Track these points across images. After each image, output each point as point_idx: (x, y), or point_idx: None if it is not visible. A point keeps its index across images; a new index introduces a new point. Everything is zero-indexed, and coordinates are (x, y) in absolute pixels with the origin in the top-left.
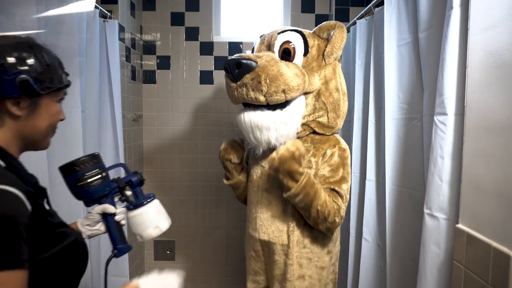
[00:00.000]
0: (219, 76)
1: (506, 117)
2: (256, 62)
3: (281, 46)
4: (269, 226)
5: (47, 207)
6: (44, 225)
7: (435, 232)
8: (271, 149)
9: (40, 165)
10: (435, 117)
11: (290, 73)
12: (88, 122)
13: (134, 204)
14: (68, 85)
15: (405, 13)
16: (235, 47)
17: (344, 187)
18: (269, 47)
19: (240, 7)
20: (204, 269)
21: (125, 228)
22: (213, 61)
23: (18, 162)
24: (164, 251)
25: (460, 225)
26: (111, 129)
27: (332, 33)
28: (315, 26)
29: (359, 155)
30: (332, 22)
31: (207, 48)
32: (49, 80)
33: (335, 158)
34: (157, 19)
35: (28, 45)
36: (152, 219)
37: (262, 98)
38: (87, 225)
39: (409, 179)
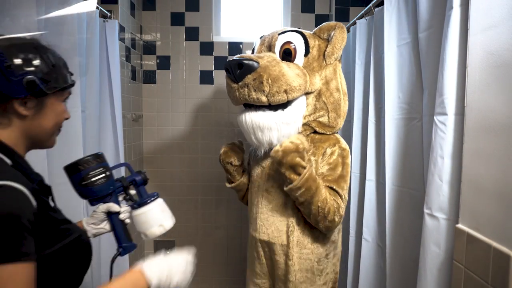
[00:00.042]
0: (219, 76)
1: (506, 117)
2: (258, 63)
3: (281, 46)
4: (269, 226)
5: (52, 204)
6: (48, 221)
7: (435, 232)
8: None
9: (40, 165)
10: (435, 117)
11: (291, 73)
12: (88, 122)
13: (138, 203)
14: (72, 85)
15: (405, 13)
16: (235, 47)
17: (343, 186)
18: (270, 48)
19: (240, 7)
20: (204, 269)
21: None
22: (213, 61)
23: (25, 161)
24: (164, 251)
25: (460, 225)
26: (111, 129)
27: (332, 33)
28: (315, 26)
29: (359, 155)
30: (332, 22)
31: (207, 48)
32: (55, 80)
33: (334, 157)
34: (157, 19)
35: (33, 46)
36: (156, 217)
37: (264, 99)
38: (92, 223)
39: (409, 179)
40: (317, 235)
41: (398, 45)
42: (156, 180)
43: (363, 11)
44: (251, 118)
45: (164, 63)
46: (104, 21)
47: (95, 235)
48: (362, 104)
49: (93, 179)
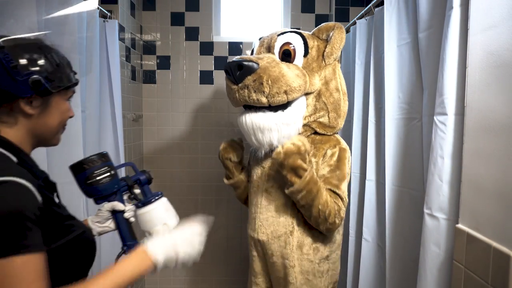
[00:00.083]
0: (219, 76)
1: (506, 117)
2: (258, 64)
3: (281, 47)
4: (268, 226)
5: (56, 200)
6: (53, 217)
7: (435, 232)
8: (273, 150)
9: (41, 165)
10: (435, 117)
11: (291, 74)
12: (88, 122)
13: (142, 202)
14: (76, 83)
15: (405, 13)
16: (235, 47)
17: (344, 188)
18: (269, 49)
19: (240, 7)
20: (204, 269)
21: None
22: (213, 61)
23: (30, 158)
24: None
25: (460, 225)
26: (111, 129)
27: (331, 34)
28: (315, 26)
29: (359, 155)
30: (331, 23)
31: (207, 48)
32: (59, 79)
33: (335, 158)
34: (157, 19)
35: (38, 47)
36: (160, 216)
37: (264, 100)
38: (97, 222)
39: (409, 179)
40: (317, 236)
41: (398, 45)
42: (156, 180)
43: (363, 11)
44: (251, 119)
45: (164, 63)
46: (104, 21)
47: (100, 234)
48: (362, 104)
49: (98, 178)
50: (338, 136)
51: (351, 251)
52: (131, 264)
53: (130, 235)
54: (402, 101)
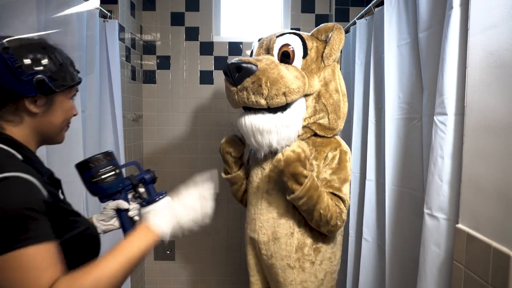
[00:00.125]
0: (219, 76)
1: (506, 117)
2: (256, 66)
3: (280, 49)
4: (269, 228)
5: (61, 197)
6: (58, 212)
7: (435, 232)
8: (273, 152)
9: None
10: (435, 117)
11: (290, 75)
12: (88, 122)
13: (147, 201)
14: (79, 82)
15: (405, 13)
16: (235, 47)
17: (346, 190)
18: (268, 51)
19: (240, 7)
20: (204, 269)
21: None
22: (213, 61)
23: (35, 156)
24: (164, 251)
25: (460, 225)
26: (111, 129)
27: (330, 35)
28: (315, 26)
29: (359, 155)
30: (330, 24)
31: (207, 48)
32: (62, 78)
33: (336, 161)
34: (157, 19)
35: (41, 47)
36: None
37: (263, 102)
38: (102, 220)
39: (409, 179)
40: (318, 237)
41: (398, 45)
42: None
43: (363, 11)
44: (251, 121)
45: (164, 63)
46: (104, 21)
47: (104, 232)
48: (362, 104)
49: (103, 177)
50: (338, 138)
51: (351, 251)
52: (137, 241)
53: None
54: (402, 101)
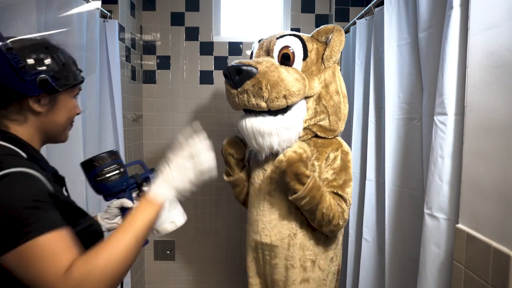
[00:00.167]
0: (219, 76)
1: (506, 117)
2: (257, 68)
3: (280, 51)
4: (271, 229)
5: (65, 194)
6: (62, 208)
7: (435, 232)
8: (274, 153)
9: None
10: (435, 117)
11: (290, 78)
12: (88, 122)
13: None
14: (82, 81)
15: (405, 13)
16: (235, 47)
17: (348, 190)
18: (268, 52)
19: (240, 7)
20: (204, 269)
21: None
22: (213, 61)
23: (40, 154)
24: (164, 251)
25: (460, 225)
26: (111, 129)
27: (330, 36)
28: (315, 26)
29: (359, 155)
30: (330, 25)
31: (207, 48)
32: (65, 78)
33: (338, 161)
34: (157, 19)
35: (44, 47)
36: (168, 214)
37: (263, 104)
38: (106, 218)
39: (409, 179)
40: (319, 238)
41: (398, 45)
42: None
43: (363, 11)
44: (251, 123)
45: (164, 63)
46: (104, 21)
47: (109, 230)
48: (362, 104)
49: (107, 175)
50: (339, 139)
51: (351, 251)
52: (141, 215)
53: None
54: (402, 101)
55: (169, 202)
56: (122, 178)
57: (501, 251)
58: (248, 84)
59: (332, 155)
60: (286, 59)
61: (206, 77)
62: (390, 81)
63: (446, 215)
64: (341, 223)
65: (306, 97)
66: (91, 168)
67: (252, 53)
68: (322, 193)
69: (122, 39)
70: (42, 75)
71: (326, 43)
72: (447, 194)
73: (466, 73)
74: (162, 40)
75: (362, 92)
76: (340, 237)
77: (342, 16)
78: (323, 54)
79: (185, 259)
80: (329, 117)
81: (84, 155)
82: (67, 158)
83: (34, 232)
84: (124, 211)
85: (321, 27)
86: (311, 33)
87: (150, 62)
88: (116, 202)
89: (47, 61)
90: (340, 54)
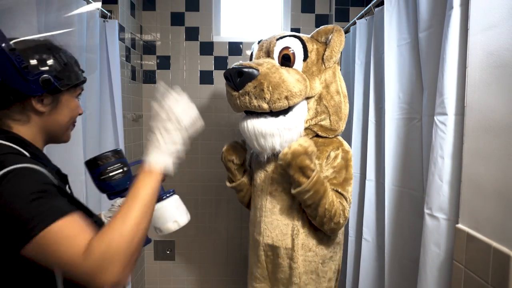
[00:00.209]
0: (219, 76)
1: (506, 117)
2: (258, 70)
3: (280, 52)
4: (273, 229)
5: (68, 191)
6: (69, 200)
7: (435, 232)
8: (275, 155)
9: None
10: (435, 117)
11: (291, 79)
12: (88, 122)
13: None
14: (84, 81)
15: (405, 13)
16: (235, 47)
17: (348, 188)
18: (268, 54)
19: (240, 7)
20: (204, 269)
21: None
22: (213, 61)
23: (42, 153)
24: (164, 251)
25: (460, 225)
26: (111, 129)
27: (330, 37)
28: (315, 26)
29: (359, 155)
30: (330, 26)
31: (207, 48)
32: (67, 78)
33: (338, 160)
34: (157, 19)
35: (46, 47)
36: (171, 213)
37: (265, 106)
38: (110, 217)
39: (409, 179)
40: (321, 238)
41: (398, 45)
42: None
43: (363, 11)
44: (253, 125)
45: (164, 63)
46: (104, 21)
47: None
48: (362, 104)
49: (111, 174)
50: (340, 138)
51: (351, 251)
52: (144, 187)
53: None
54: (402, 101)
55: (175, 200)
56: (126, 177)
57: (501, 251)
58: (249, 86)
59: (332, 154)
60: (286, 60)
61: (206, 77)
62: (390, 81)
63: (446, 215)
64: (341, 221)
65: (307, 98)
66: (95, 166)
67: (251, 54)
68: (326, 188)
69: (122, 39)
70: (44, 75)
71: (326, 44)
72: (447, 194)
73: (466, 73)
74: (162, 40)
75: (362, 92)
76: (341, 236)
77: (342, 16)
78: (323, 54)
79: (185, 259)
80: (330, 117)
81: (84, 155)
82: (67, 158)
83: (46, 221)
84: None
85: (321, 27)
86: (311, 34)
87: (150, 62)
88: (119, 201)
89: (50, 61)
90: (340, 54)
